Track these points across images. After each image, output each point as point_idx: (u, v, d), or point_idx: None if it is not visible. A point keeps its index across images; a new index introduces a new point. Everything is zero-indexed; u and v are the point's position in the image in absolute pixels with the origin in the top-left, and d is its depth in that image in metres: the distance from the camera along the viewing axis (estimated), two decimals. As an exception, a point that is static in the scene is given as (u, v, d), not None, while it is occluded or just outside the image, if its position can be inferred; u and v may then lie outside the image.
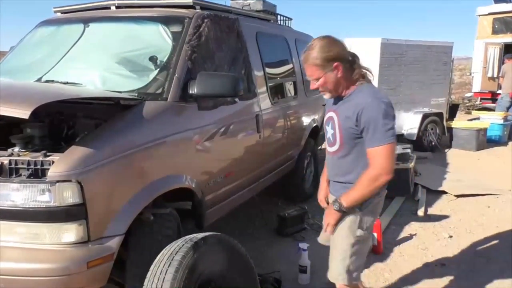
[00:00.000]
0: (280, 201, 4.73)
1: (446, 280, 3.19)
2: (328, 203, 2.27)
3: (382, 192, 2.15)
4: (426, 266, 3.41)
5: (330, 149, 2.17)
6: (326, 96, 2.07)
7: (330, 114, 2.13)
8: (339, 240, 2.12)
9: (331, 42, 1.97)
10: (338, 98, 2.08)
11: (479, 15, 12.32)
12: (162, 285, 1.87)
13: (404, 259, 3.54)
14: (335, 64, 1.94)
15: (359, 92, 2.00)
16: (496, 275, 3.28)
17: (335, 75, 1.96)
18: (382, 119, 1.89)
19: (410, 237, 3.99)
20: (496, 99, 10.64)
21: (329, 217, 2.12)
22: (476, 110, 11.31)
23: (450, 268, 3.38)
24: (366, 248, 2.21)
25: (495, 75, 11.51)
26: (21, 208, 1.90)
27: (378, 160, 1.93)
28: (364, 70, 2.06)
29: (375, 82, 7.24)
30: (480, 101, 12.40)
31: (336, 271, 2.14)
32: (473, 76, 12.48)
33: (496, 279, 3.22)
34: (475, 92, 12.55)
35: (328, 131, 2.15)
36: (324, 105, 5.50)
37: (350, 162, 2.07)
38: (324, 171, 2.33)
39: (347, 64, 1.99)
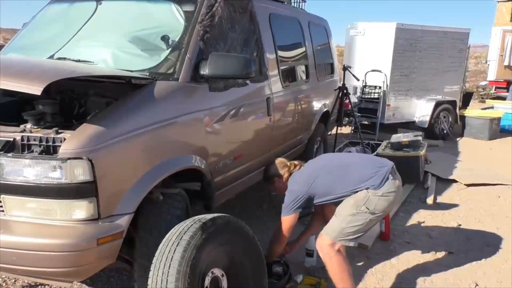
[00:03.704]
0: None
1: (454, 268, 3.19)
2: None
3: (397, 188, 2.59)
4: (433, 254, 3.40)
5: None
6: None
7: None
8: (345, 208, 2.55)
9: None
10: None
11: (498, 1, 12.01)
12: (170, 264, 1.89)
13: (411, 246, 3.53)
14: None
15: None
16: (504, 264, 3.27)
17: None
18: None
19: (418, 225, 3.98)
20: (511, 88, 10.45)
21: None
22: (490, 99, 11.12)
23: (458, 257, 3.37)
24: (365, 224, 2.52)
25: (512, 64, 11.27)
26: (33, 184, 1.92)
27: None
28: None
29: (387, 68, 7.23)
30: (495, 90, 12.19)
31: (330, 228, 2.57)
32: (488, 64, 12.23)
33: (504, 268, 3.21)
34: (490, 81, 12.33)
35: None
36: (335, 90, 5.46)
37: None
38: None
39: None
